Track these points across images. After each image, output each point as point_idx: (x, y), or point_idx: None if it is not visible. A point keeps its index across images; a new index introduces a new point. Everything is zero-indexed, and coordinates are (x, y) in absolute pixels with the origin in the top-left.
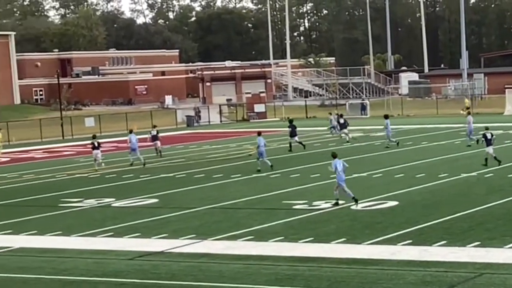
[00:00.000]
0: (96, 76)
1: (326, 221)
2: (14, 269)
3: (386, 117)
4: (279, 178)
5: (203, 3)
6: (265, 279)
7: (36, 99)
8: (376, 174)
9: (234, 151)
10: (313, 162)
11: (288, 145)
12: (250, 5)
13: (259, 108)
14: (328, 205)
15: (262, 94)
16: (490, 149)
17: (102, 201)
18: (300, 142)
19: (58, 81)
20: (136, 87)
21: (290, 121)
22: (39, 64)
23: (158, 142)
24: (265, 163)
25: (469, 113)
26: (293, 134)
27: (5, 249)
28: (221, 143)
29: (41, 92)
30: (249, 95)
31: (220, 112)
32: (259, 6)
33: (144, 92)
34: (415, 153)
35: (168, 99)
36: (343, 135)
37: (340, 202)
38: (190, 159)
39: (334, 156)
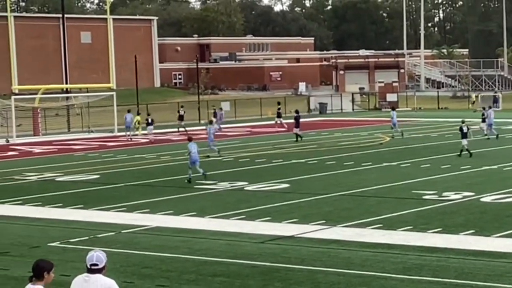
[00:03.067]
0: (233, 62)
1: (455, 213)
2: (152, 247)
3: (393, 108)
4: (410, 167)
5: None
6: (393, 268)
7: (175, 83)
8: (507, 167)
9: (366, 139)
10: (444, 153)
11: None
12: None
13: (391, 97)
14: (458, 196)
15: (394, 84)
16: (464, 141)
17: (235, 184)
18: (298, 134)
19: (197, 65)
20: (271, 73)
21: (296, 111)
22: (179, 48)
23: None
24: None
25: (393, 108)
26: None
27: (143, 228)
28: (353, 131)
29: (180, 76)
30: (382, 84)
31: (353, 100)
32: None
33: (279, 79)
34: None
35: (302, 86)
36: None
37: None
38: (322, 145)
39: (189, 139)
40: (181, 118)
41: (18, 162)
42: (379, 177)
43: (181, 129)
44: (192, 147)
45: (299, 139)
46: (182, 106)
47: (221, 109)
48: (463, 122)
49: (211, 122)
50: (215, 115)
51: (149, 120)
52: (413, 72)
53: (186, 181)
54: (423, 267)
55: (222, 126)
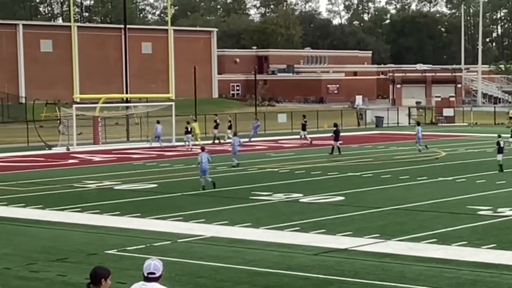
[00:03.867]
0: (291, 74)
1: (510, 228)
2: (206, 257)
3: (418, 123)
4: (465, 183)
5: (398, 6)
6: (446, 283)
7: (233, 94)
8: None
9: (421, 153)
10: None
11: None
12: (444, 10)
13: (447, 112)
14: None
15: (451, 99)
16: (499, 157)
17: (290, 196)
18: (338, 147)
19: (255, 77)
20: (328, 86)
21: (335, 125)
22: (238, 60)
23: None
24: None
25: (418, 123)
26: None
27: (199, 237)
28: (409, 145)
29: (237, 87)
30: (439, 99)
31: (409, 114)
32: (453, 10)
33: (336, 92)
34: None
35: (359, 99)
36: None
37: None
38: (377, 159)
39: (202, 149)
40: (217, 127)
41: (78, 170)
42: (434, 192)
43: (216, 141)
44: (203, 157)
45: (335, 152)
46: (216, 115)
47: (257, 120)
48: (499, 136)
49: (235, 134)
50: (230, 127)
51: (188, 129)
52: (470, 87)
53: (201, 189)
54: (476, 283)
55: (253, 139)
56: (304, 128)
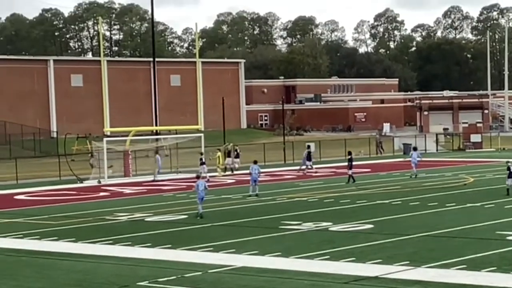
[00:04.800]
0: (318, 103)
1: None
2: (237, 287)
3: (415, 149)
4: (494, 208)
5: (423, 33)
6: None
7: (261, 124)
8: None
9: (450, 180)
10: None
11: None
12: (470, 36)
13: (475, 138)
14: None
15: (478, 124)
16: (509, 181)
17: (319, 225)
18: (352, 176)
19: (283, 107)
20: (355, 114)
21: (349, 153)
22: (265, 90)
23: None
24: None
25: (415, 149)
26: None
27: (229, 267)
28: (437, 171)
29: (266, 117)
30: (466, 125)
31: (437, 141)
32: (479, 37)
33: (363, 120)
34: None
35: (386, 127)
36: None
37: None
38: (406, 186)
39: (197, 177)
40: (229, 155)
41: (109, 203)
42: (463, 218)
43: (229, 172)
44: (200, 185)
45: (351, 181)
46: (229, 144)
47: (308, 146)
48: (507, 162)
49: (255, 163)
50: (229, 154)
51: (203, 159)
52: (497, 112)
53: (197, 217)
54: None
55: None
56: (309, 157)
